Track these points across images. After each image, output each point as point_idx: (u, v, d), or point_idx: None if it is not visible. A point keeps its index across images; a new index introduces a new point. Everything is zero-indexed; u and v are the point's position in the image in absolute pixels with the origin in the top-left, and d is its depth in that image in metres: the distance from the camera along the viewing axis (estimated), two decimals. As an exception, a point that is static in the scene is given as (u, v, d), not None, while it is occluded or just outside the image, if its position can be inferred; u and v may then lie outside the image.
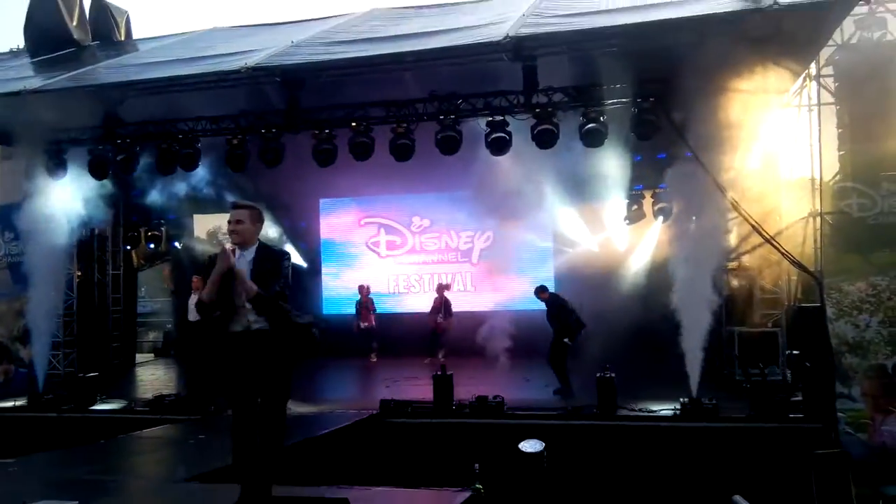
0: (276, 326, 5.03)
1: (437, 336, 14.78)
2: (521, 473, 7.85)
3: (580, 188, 14.34)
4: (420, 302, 15.98)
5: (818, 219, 11.67)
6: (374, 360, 15.16)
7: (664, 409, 9.65)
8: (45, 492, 6.14)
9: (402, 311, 16.34)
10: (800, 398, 9.37)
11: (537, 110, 10.78)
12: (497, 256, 16.03)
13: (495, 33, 9.60)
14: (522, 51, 9.66)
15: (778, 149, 11.61)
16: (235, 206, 5.28)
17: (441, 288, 15.18)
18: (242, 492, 4.96)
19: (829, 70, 12.33)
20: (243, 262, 5.08)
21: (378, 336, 15.45)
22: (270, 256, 5.18)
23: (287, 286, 5.12)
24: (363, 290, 15.50)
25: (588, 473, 8.87)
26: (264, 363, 4.96)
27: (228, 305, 5.02)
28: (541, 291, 12.21)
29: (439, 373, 10.23)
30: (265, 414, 5.02)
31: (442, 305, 14.91)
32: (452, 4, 12.92)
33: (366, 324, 15.25)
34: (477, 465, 6.48)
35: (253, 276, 5.01)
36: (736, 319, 11.78)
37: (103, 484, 6.75)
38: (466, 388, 10.51)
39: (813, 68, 11.98)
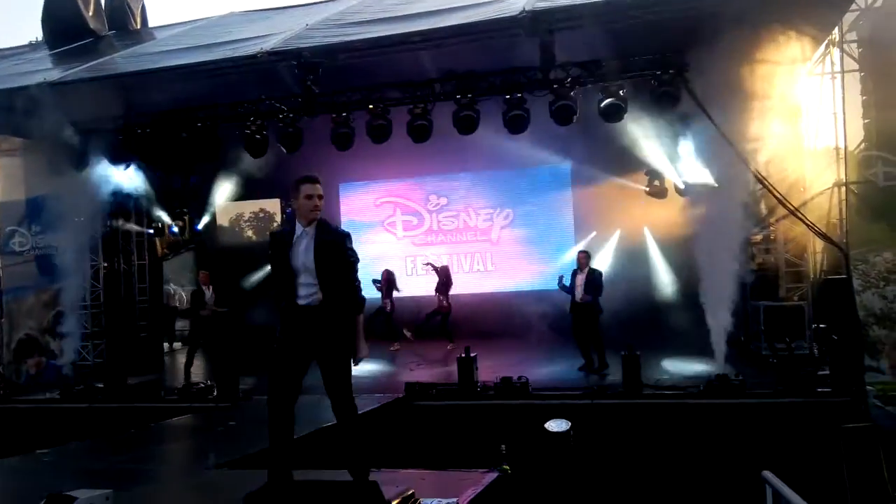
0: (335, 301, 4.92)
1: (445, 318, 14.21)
2: (547, 453, 7.87)
3: (601, 164, 14.22)
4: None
5: (843, 189, 11.48)
6: (397, 348, 14.41)
7: (690, 385, 9.60)
8: (79, 481, 6.22)
9: (419, 295, 15.39)
10: (827, 372, 9.29)
11: (555, 86, 10.68)
12: (517, 234, 15.95)
13: (511, 9, 9.50)
14: (539, 25, 9.51)
15: (801, 118, 11.42)
16: (315, 181, 5.00)
17: (444, 270, 14.54)
18: (269, 477, 5.01)
19: (852, 35, 12.06)
20: (305, 237, 4.96)
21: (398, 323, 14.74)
22: (330, 231, 5.04)
23: (353, 270, 5.01)
24: (389, 275, 14.84)
25: (615, 452, 8.86)
26: (320, 336, 4.88)
27: (284, 282, 4.95)
28: (586, 256, 11.75)
29: (462, 355, 10.24)
30: (332, 393, 4.95)
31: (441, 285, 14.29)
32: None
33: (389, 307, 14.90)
34: (503, 446, 6.50)
35: (315, 252, 4.90)
36: (761, 293, 11.64)
37: (136, 472, 6.86)
38: (491, 370, 10.52)
39: (836, 34, 11.72)
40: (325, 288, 4.91)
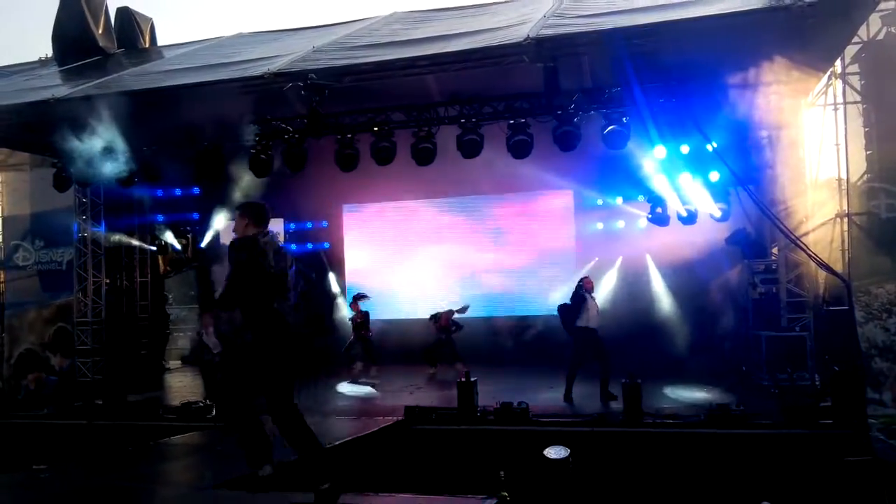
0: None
1: (438, 348, 14.09)
2: (546, 480, 7.81)
3: (604, 189, 14.26)
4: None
5: (846, 220, 11.50)
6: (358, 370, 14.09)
7: (691, 415, 9.54)
8: (76, 499, 6.22)
9: (411, 318, 15.56)
10: (829, 404, 9.24)
11: (559, 112, 10.75)
12: (519, 259, 15.94)
13: (516, 35, 9.60)
14: (543, 52, 9.61)
15: (804, 149, 11.47)
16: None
17: (449, 314, 14.20)
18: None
19: (854, 68, 12.16)
20: None
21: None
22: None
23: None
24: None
25: (614, 480, 8.79)
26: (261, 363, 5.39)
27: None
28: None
29: (462, 379, 10.19)
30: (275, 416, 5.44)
31: (449, 324, 14.10)
32: (474, 7, 12.90)
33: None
34: (502, 472, 6.46)
35: None
36: (763, 323, 11.62)
37: (133, 491, 6.82)
38: (491, 395, 10.47)
39: (838, 66, 11.82)
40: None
